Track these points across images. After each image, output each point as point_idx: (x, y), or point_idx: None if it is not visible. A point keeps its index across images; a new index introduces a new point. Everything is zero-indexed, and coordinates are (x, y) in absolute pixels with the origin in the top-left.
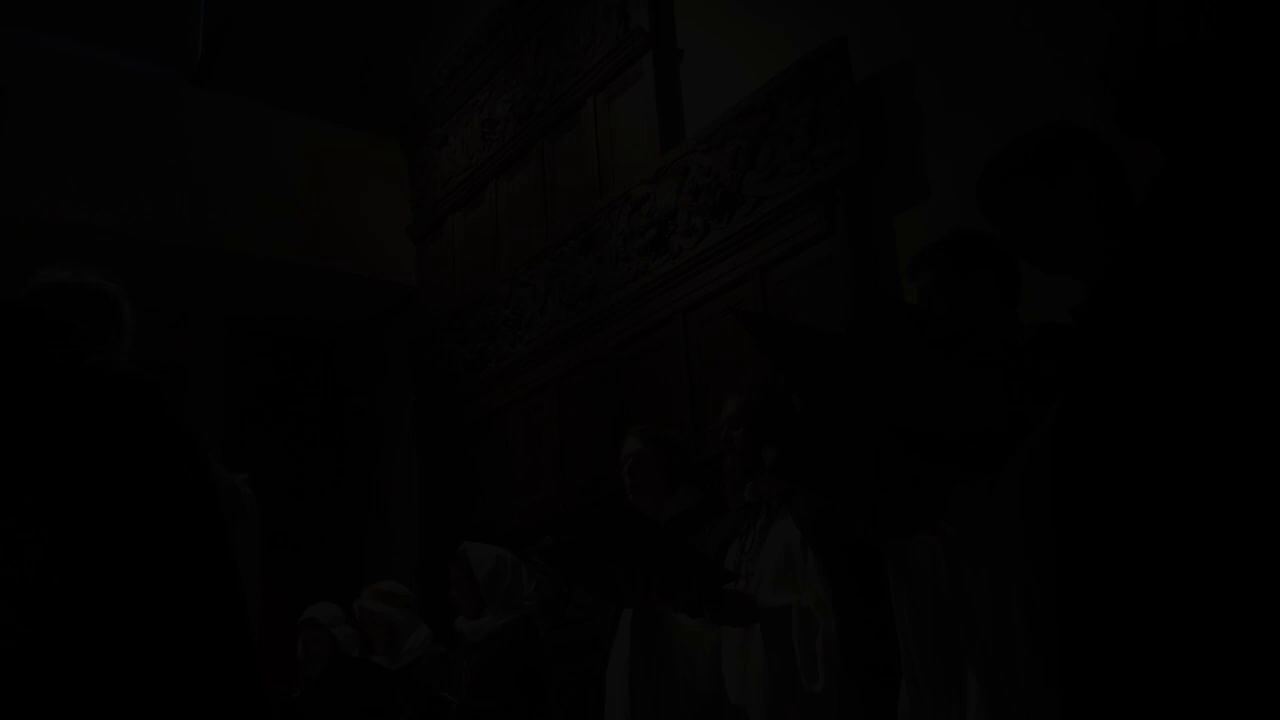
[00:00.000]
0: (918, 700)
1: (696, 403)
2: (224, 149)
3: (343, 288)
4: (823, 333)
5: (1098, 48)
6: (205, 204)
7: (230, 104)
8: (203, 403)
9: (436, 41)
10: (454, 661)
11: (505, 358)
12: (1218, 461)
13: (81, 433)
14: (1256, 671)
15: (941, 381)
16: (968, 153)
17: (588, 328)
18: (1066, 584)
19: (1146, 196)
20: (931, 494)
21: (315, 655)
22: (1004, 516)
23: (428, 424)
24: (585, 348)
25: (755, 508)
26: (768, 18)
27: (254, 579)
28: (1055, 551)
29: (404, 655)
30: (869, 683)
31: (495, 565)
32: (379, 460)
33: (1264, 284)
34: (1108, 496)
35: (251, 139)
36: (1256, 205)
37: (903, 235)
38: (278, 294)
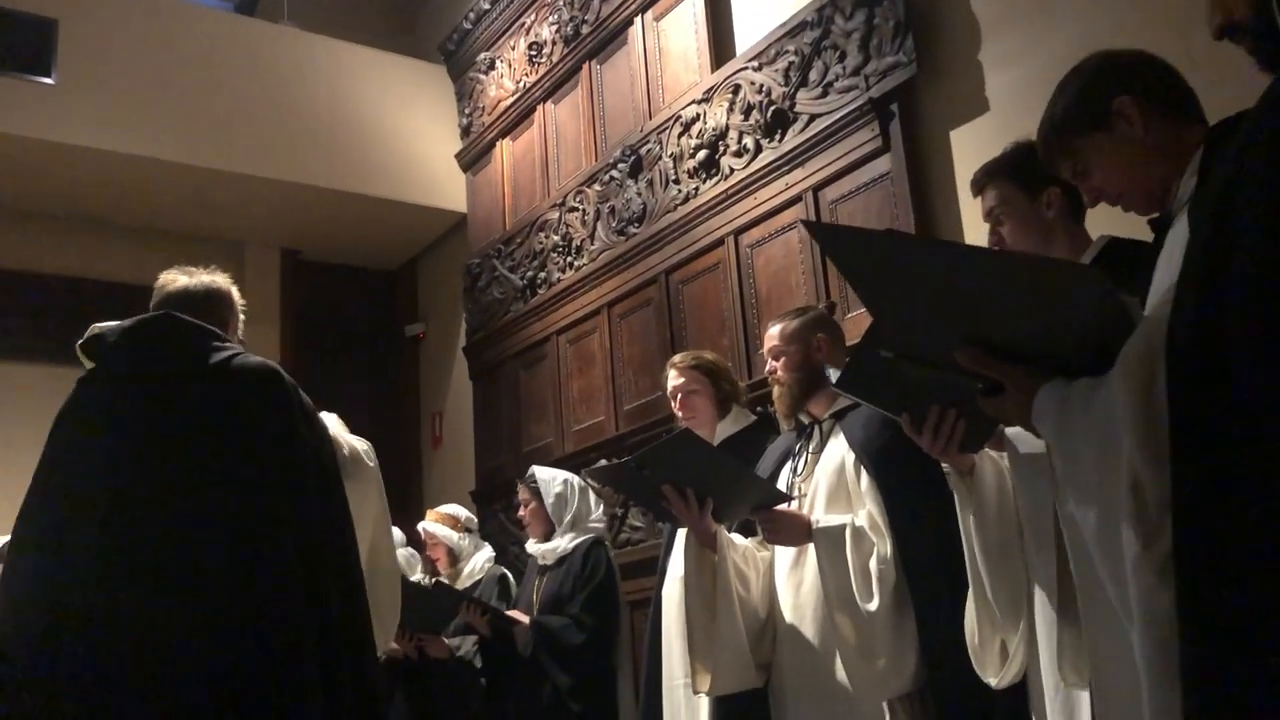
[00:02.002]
0: (984, 617)
1: (748, 325)
2: (272, 78)
3: (393, 216)
4: (902, 238)
5: None
6: (254, 134)
7: (279, 33)
8: (261, 334)
9: None
10: (524, 582)
11: (555, 284)
12: None
13: (242, 415)
14: None
15: (1028, 289)
16: (1026, 64)
17: (637, 252)
18: (1181, 477)
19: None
20: (998, 407)
21: None
22: (1110, 412)
23: (480, 352)
24: (635, 272)
25: (808, 428)
26: None
27: (381, 524)
28: (1170, 445)
29: (466, 577)
30: (924, 601)
31: (563, 489)
32: (434, 388)
33: None
34: (1222, 388)
35: (299, 68)
36: None
37: (959, 151)
38: (329, 223)
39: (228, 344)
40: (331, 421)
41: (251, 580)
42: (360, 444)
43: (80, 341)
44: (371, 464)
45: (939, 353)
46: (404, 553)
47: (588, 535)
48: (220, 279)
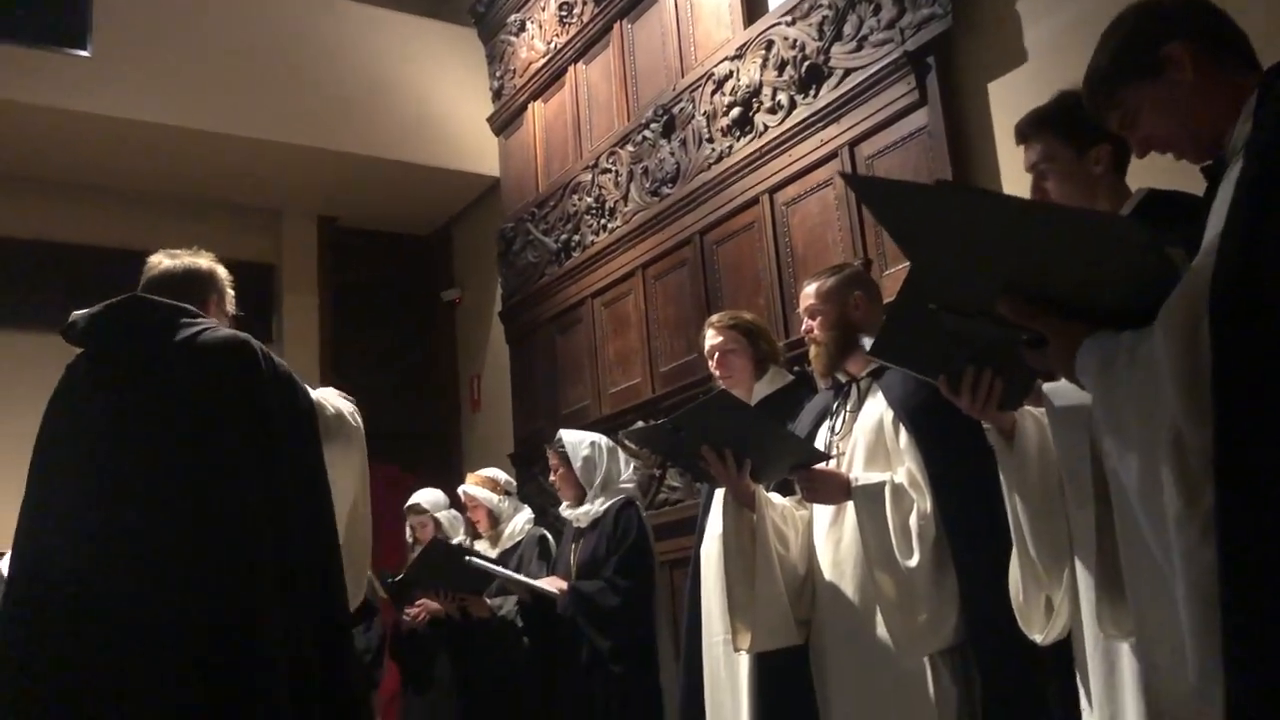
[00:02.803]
0: (1029, 574)
1: (783, 284)
2: (306, 46)
3: (427, 181)
4: (951, 188)
5: None
6: (289, 101)
7: (312, 1)
8: (299, 301)
9: None
10: (560, 546)
11: (589, 246)
12: None
13: (209, 388)
14: None
15: (1073, 241)
16: (1065, 12)
17: (671, 213)
18: (1224, 433)
19: None
20: (1042, 360)
21: (422, 539)
22: (1152, 365)
23: (516, 316)
24: (669, 233)
25: (845, 387)
26: None
27: (362, 488)
28: (1213, 399)
29: (506, 538)
30: (965, 556)
31: (590, 452)
32: (472, 352)
33: None
34: (1268, 341)
35: (333, 35)
36: None
37: (997, 103)
38: (365, 190)
39: (198, 319)
40: (327, 394)
41: (213, 555)
42: (346, 405)
43: (61, 329)
44: (355, 424)
45: (981, 306)
46: (447, 515)
47: (619, 497)
48: (203, 259)
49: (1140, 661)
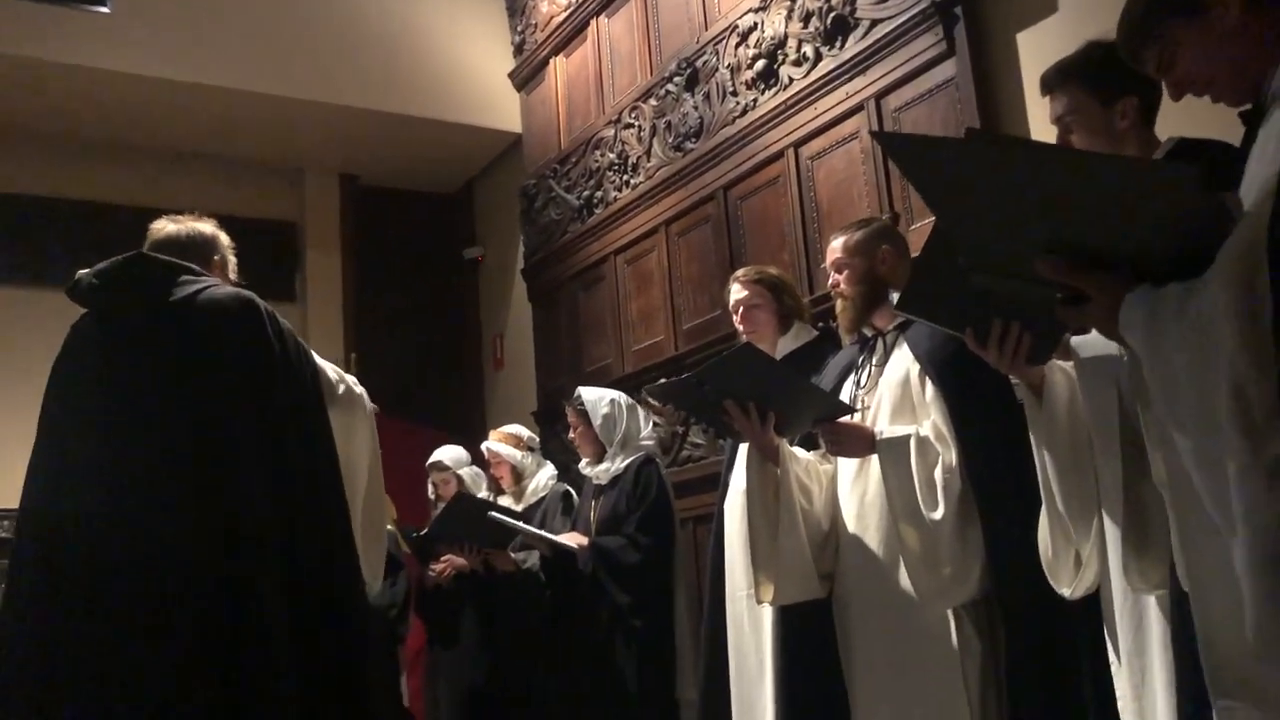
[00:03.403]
0: (1057, 528)
1: (808, 240)
2: (326, 2)
3: (449, 138)
4: (984, 139)
5: None
6: (310, 58)
7: None
8: (322, 260)
9: None
10: (580, 503)
11: (612, 203)
12: None
13: (210, 346)
14: None
15: (1117, 190)
16: None
17: (695, 168)
18: None
19: None
20: (1081, 317)
21: (444, 496)
22: (1207, 314)
23: (538, 274)
24: (693, 189)
25: (871, 341)
26: None
27: (374, 460)
28: (1277, 345)
29: (530, 494)
30: (991, 510)
31: (609, 409)
32: (494, 310)
33: None
34: None
35: None
36: None
37: (1027, 54)
38: (387, 147)
39: (201, 278)
40: (326, 367)
41: (214, 516)
42: (350, 377)
43: (67, 288)
44: (361, 393)
45: (1015, 262)
46: (469, 471)
47: (639, 454)
48: (206, 224)
49: (1196, 621)
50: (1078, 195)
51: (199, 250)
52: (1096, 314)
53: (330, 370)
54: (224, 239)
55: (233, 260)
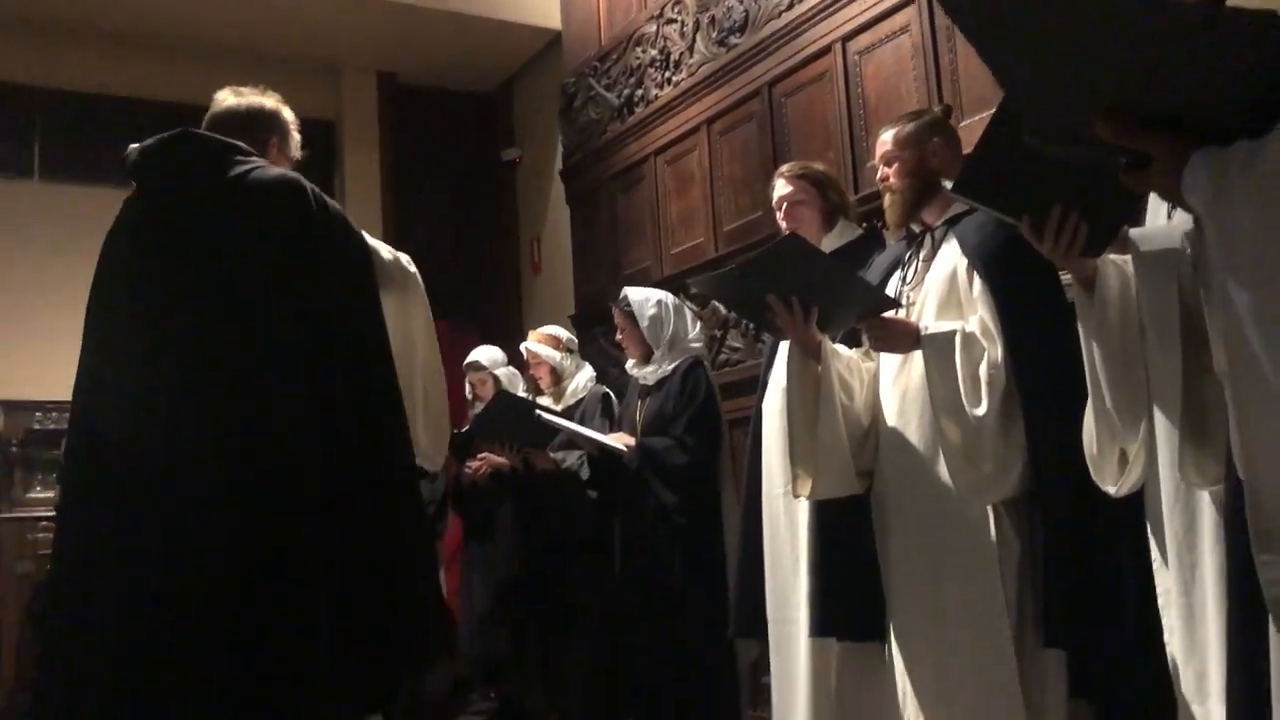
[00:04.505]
0: (1104, 426)
1: (854, 138)
2: None
3: (487, 34)
4: None
5: None
6: None
7: None
8: (359, 159)
9: None
10: (625, 403)
11: (653, 101)
12: None
13: (258, 226)
14: None
15: (1194, 38)
16: None
17: (739, 64)
18: None
19: None
20: (1144, 181)
21: (481, 396)
22: (1274, 171)
23: (577, 175)
24: (736, 86)
25: (919, 237)
26: None
27: (428, 337)
28: None
29: (569, 395)
30: (1035, 406)
31: (657, 310)
32: (532, 213)
33: None
34: None
35: None
36: None
37: None
38: (424, 44)
39: (250, 158)
40: (380, 245)
41: (258, 407)
42: (402, 255)
43: (121, 160)
44: (413, 271)
45: (1077, 129)
46: (506, 371)
47: (686, 356)
48: (269, 99)
49: (1249, 498)
50: (1151, 41)
51: (256, 127)
52: (1159, 176)
53: (384, 250)
54: (286, 115)
55: (295, 138)
